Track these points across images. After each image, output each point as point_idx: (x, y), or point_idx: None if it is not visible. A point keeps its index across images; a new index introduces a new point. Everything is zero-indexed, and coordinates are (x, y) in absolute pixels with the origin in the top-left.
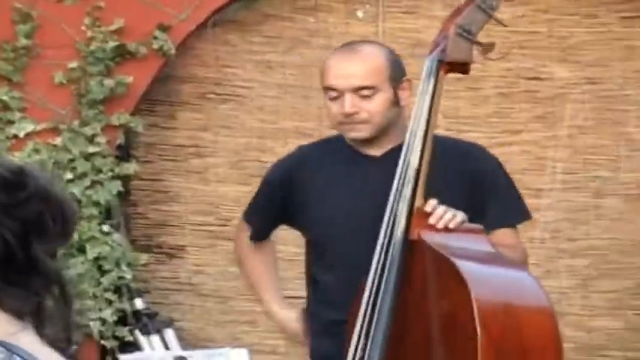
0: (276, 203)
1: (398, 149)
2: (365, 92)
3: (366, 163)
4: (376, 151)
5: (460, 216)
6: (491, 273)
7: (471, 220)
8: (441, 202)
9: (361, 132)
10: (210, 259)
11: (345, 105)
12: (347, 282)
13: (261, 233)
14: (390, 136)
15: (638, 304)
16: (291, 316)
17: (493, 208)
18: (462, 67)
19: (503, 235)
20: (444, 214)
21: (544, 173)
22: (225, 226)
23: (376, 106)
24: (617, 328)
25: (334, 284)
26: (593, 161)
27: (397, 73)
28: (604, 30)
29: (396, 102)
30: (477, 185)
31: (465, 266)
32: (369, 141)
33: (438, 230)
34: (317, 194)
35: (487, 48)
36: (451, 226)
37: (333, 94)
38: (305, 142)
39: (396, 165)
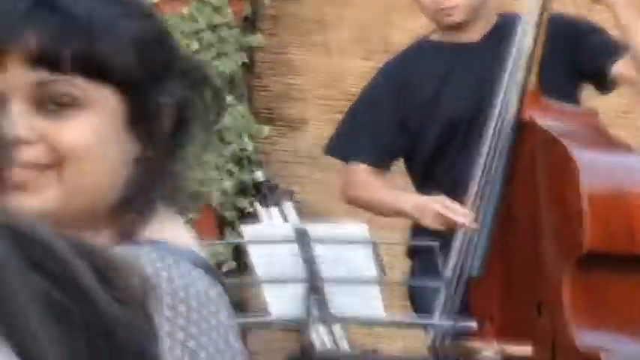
0: (390, 121)
1: (494, 31)
2: None
3: (467, 51)
4: (473, 36)
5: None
6: (604, 156)
7: (590, 76)
8: (549, 84)
9: (457, 15)
10: (331, 132)
11: None
12: (466, 179)
13: (381, 159)
14: (483, 20)
15: None
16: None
17: (600, 46)
18: None
19: (625, 65)
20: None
21: None
22: (347, 99)
23: None
24: None
25: (453, 183)
26: None
27: None
28: None
29: None
30: (574, 42)
31: (576, 148)
32: (463, 27)
33: (550, 112)
34: (429, 99)
35: None
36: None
37: None
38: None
39: (497, 46)
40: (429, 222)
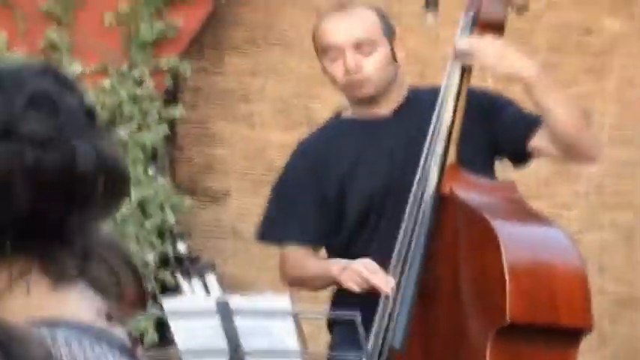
0: (312, 200)
1: (405, 105)
2: (365, 48)
3: (379, 126)
4: (384, 110)
5: None
6: (523, 229)
7: (506, 150)
8: (468, 157)
9: (368, 89)
10: (253, 204)
11: (347, 61)
12: (388, 251)
13: (316, 237)
14: (393, 93)
15: None
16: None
17: (516, 119)
18: (496, 27)
19: (541, 138)
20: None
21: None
22: (269, 171)
23: (376, 62)
24: None
25: (374, 254)
26: None
27: (390, 29)
28: None
29: (393, 58)
30: (491, 116)
31: (497, 220)
32: (374, 101)
33: (470, 185)
34: (344, 175)
35: (522, 8)
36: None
37: (333, 54)
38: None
39: (409, 120)
40: (351, 284)
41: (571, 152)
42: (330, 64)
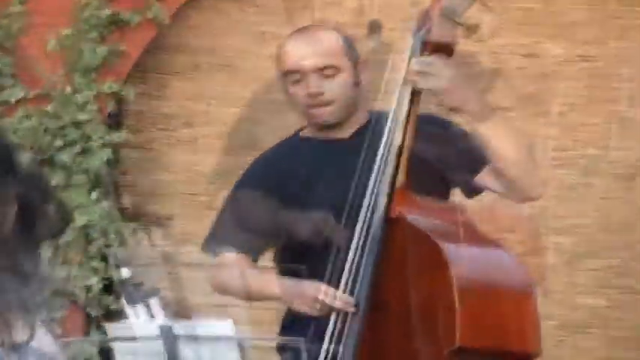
0: (258, 211)
1: (365, 128)
2: (328, 72)
3: (337, 147)
4: (344, 133)
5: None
6: (471, 251)
7: (454, 182)
8: (419, 181)
9: (328, 114)
10: (197, 228)
11: (309, 84)
12: (337, 271)
13: (247, 245)
14: (354, 117)
15: (622, 283)
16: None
17: (465, 155)
18: (446, 49)
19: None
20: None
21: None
22: (213, 196)
23: (339, 86)
24: (601, 306)
25: (322, 274)
26: (584, 139)
27: (354, 53)
28: (599, 8)
29: (357, 82)
30: (443, 146)
31: (446, 244)
32: (334, 125)
33: (418, 208)
34: (298, 192)
35: (471, 30)
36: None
37: (296, 76)
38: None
39: (367, 144)
40: (304, 308)
41: (513, 190)
42: (292, 86)
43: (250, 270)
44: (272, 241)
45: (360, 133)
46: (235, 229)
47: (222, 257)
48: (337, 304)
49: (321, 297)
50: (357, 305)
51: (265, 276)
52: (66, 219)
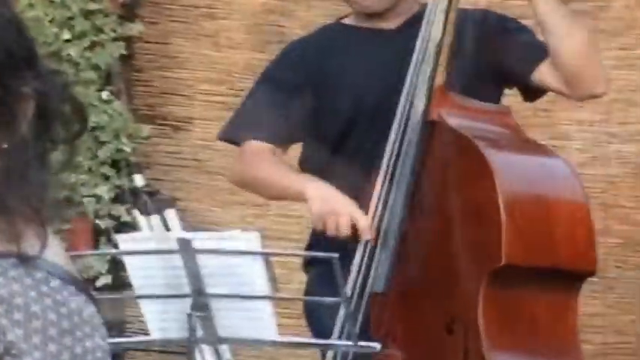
0: (290, 98)
1: (414, 20)
2: None
3: (382, 38)
4: (390, 24)
5: None
6: (520, 158)
7: (512, 80)
8: (467, 81)
9: (377, 5)
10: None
11: None
12: (368, 177)
13: (277, 135)
14: (403, 6)
15: None
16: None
17: (519, 49)
18: None
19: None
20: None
21: None
22: (237, 96)
23: None
24: None
25: (353, 179)
26: None
27: None
28: None
29: None
30: (498, 40)
31: (490, 149)
32: (381, 15)
33: (460, 110)
34: (333, 81)
35: None
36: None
37: None
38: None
39: (412, 39)
40: (325, 222)
41: (574, 85)
42: None
43: (279, 162)
44: (303, 133)
45: (409, 24)
46: (264, 114)
47: (246, 145)
48: (362, 222)
49: (355, 220)
50: (381, 222)
51: (295, 173)
52: (84, 122)
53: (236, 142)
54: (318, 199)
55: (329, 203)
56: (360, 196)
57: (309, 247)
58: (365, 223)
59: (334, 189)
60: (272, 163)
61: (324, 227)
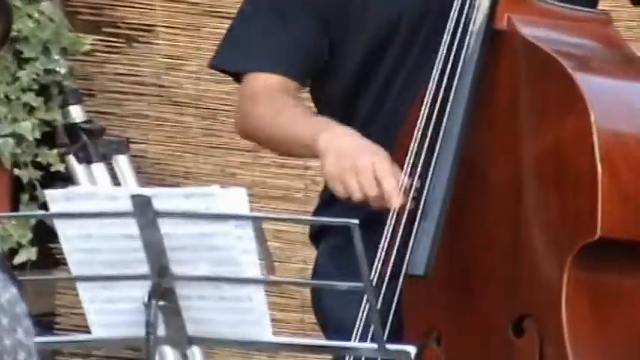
0: (302, 17)
1: None
2: None
3: None
4: None
5: None
6: (625, 86)
7: None
8: None
9: None
10: (189, 47)
11: None
12: (408, 110)
13: (293, 65)
14: None
15: None
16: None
17: None
18: None
19: None
20: None
21: None
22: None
23: None
24: None
25: (387, 117)
26: None
27: None
28: None
29: None
30: None
31: (583, 73)
32: None
33: (541, 16)
34: None
35: None
36: None
37: None
38: None
39: None
40: (343, 182)
41: None
42: None
43: (292, 103)
44: (322, 60)
45: None
46: (270, 38)
47: (251, 77)
48: (391, 202)
49: (379, 179)
50: (427, 196)
51: (310, 117)
52: (6, 24)
53: (236, 74)
54: (333, 152)
55: (347, 156)
56: (395, 146)
57: (319, 212)
58: (392, 183)
59: (358, 136)
60: (283, 103)
61: (342, 190)
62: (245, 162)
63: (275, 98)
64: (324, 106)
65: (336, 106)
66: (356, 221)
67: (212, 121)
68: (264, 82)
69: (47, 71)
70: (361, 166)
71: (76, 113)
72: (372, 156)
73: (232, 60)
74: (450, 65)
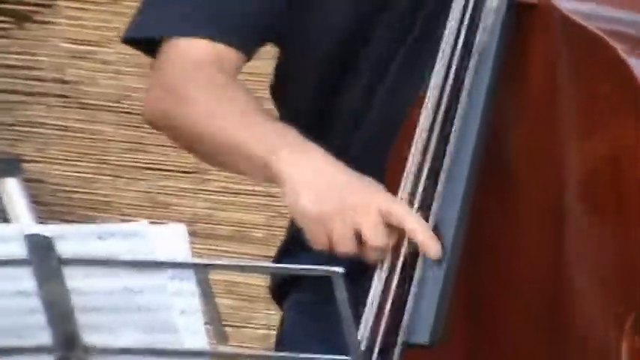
0: None
1: None
2: None
3: None
4: None
5: None
6: None
7: None
8: None
9: None
10: (103, 28)
11: None
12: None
13: (238, 31)
14: None
15: None
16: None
17: None
18: None
19: None
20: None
21: None
22: None
23: None
24: None
25: (379, 105)
26: None
27: None
28: None
29: None
30: None
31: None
32: None
33: None
34: None
35: None
36: None
37: None
38: None
39: None
40: (317, 231)
41: None
42: None
43: (236, 88)
44: (279, 28)
45: None
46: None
47: (171, 47)
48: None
49: (399, 223)
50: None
51: (265, 121)
52: None
53: (153, 44)
54: (307, 183)
55: (334, 191)
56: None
57: (283, 256)
58: (421, 224)
59: (333, 159)
60: (231, 91)
61: (324, 239)
62: (185, 187)
63: (216, 79)
64: (290, 106)
65: (309, 102)
66: (340, 269)
67: (138, 130)
68: (196, 53)
69: None
70: (361, 205)
71: None
72: (369, 189)
73: (149, 26)
74: (459, 53)
